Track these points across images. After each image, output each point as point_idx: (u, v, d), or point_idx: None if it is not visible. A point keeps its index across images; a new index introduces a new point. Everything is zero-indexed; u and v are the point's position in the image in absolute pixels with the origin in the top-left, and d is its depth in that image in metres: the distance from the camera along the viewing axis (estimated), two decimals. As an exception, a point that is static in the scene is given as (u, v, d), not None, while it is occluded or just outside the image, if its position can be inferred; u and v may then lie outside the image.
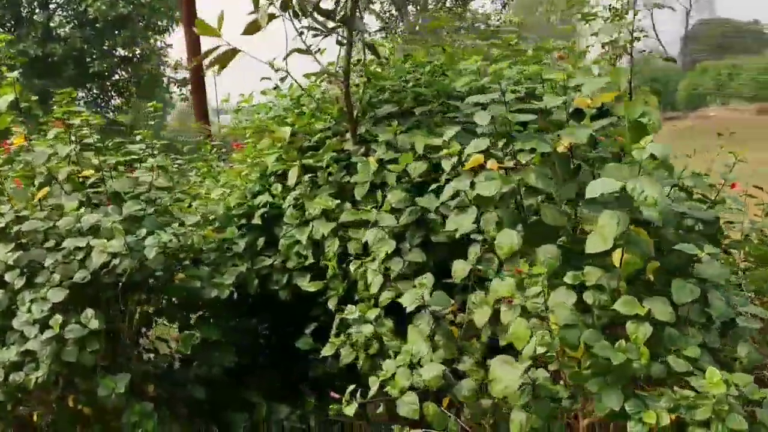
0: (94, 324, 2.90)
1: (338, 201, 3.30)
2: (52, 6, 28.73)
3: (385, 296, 3.06)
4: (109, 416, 3.13)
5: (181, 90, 31.37)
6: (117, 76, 29.74)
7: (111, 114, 31.29)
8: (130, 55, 29.63)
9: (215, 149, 4.90)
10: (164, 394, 3.40)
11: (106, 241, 2.96)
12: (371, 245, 3.04)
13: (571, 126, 2.57)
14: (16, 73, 3.61)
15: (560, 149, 2.52)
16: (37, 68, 27.60)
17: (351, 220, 3.24)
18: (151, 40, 30.25)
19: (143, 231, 3.13)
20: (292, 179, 3.32)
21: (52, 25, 28.91)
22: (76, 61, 28.61)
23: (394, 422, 2.87)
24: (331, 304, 3.34)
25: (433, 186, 3.04)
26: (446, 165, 2.92)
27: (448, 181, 2.88)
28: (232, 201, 3.76)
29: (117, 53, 29.21)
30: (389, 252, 2.93)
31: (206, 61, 3.12)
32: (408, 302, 2.80)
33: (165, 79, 31.27)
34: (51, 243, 3.04)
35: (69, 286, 2.97)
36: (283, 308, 3.79)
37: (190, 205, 3.68)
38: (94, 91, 30.48)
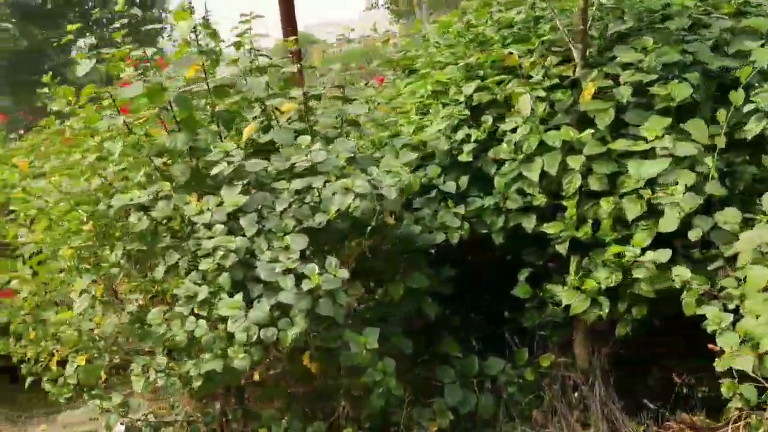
0: (343, 273, 2.58)
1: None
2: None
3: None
4: (339, 372, 2.85)
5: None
6: (119, 24, 28.56)
7: (112, 64, 30.37)
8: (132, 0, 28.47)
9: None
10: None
11: (349, 180, 2.60)
12: (657, 177, 2.70)
13: None
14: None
15: None
16: (36, 17, 26.54)
17: (596, 153, 2.90)
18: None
19: (373, 169, 2.78)
20: (525, 108, 2.95)
21: (48, -31, 27.61)
22: (76, 8, 27.47)
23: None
24: (562, 248, 3.04)
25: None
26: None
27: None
28: (425, 137, 3.40)
29: (118, -1, 28.10)
30: (688, 185, 2.60)
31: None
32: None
33: (167, 27, 30.23)
34: (282, 184, 2.68)
35: (303, 232, 2.64)
36: (484, 255, 3.50)
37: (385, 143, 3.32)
38: (94, 40, 29.47)
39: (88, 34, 26.68)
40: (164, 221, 2.78)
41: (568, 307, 3.09)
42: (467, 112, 3.19)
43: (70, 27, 3.26)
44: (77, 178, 2.88)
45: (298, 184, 2.67)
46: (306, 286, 2.45)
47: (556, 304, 3.20)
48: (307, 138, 2.71)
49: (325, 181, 2.65)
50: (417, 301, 3.25)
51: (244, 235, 2.63)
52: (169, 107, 2.91)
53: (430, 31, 4.02)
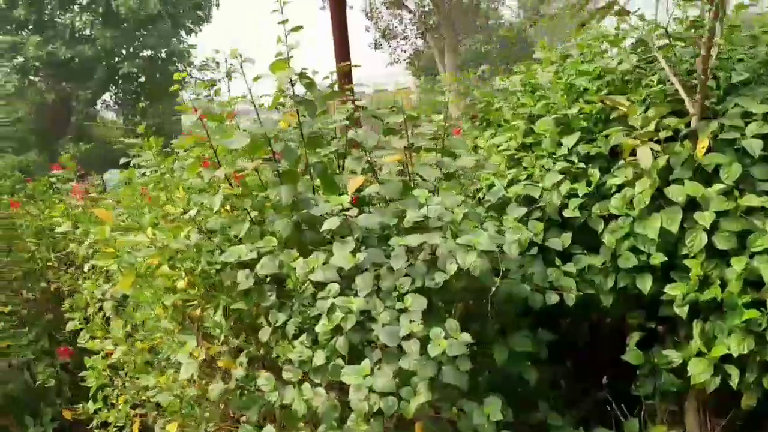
0: (466, 338, 2.39)
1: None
2: (75, 7, 28.14)
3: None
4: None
5: (209, 91, 30.86)
6: (143, 78, 29.21)
7: (137, 117, 30.81)
8: (157, 55, 29.11)
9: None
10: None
11: (473, 236, 2.44)
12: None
13: None
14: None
15: None
16: (65, 70, 27.10)
17: (723, 209, 2.74)
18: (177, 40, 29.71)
19: (489, 225, 2.63)
20: (645, 161, 2.79)
21: (77, 25, 28.35)
22: (104, 63, 28.08)
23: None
24: (682, 312, 2.84)
25: None
26: None
27: None
28: (520, 190, 3.25)
29: (144, 54, 28.70)
30: None
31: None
32: None
33: (192, 80, 30.80)
34: (396, 240, 2.52)
35: (417, 292, 2.47)
36: (581, 316, 3.30)
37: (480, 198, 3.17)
38: (121, 93, 29.95)
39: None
40: (268, 279, 2.62)
41: (684, 374, 2.88)
42: (582, 165, 3.05)
43: (176, 75, 3.16)
44: (175, 232, 2.73)
45: (413, 240, 2.51)
46: (434, 351, 2.26)
47: (670, 371, 3.00)
48: (425, 191, 2.56)
49: (442, 238, 2.49)
50: (518, 366, 3.05)
51: (356, 295, 2.47)
52: (273, 159, 2.79)
53: (513, 82, 3.92)
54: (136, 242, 2.78)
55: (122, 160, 4.39)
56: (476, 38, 26.25)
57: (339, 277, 2.50)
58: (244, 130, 2.81)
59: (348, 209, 2.55)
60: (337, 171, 3.22)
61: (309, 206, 2.76)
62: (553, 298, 2.86)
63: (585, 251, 3.14)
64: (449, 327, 2.41)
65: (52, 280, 4.51)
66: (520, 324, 3.08)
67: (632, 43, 3.65)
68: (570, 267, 2.99)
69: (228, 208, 2.97)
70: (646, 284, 2.91)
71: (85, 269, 4.20)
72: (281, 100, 3.16)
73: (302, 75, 3.08)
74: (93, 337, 3.04)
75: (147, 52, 28.96)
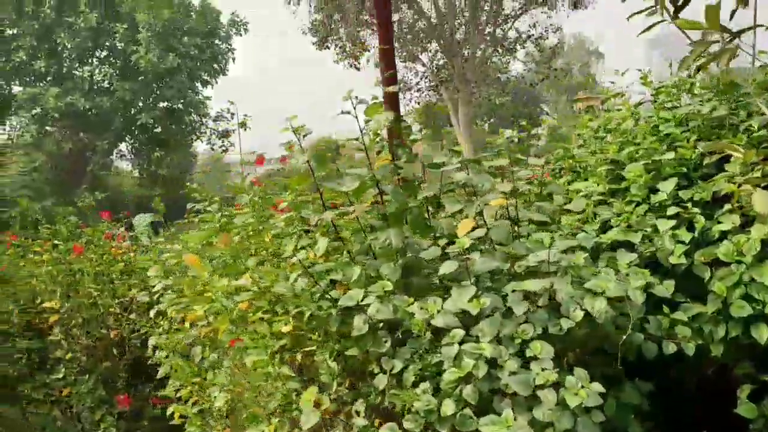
0: (598, 388, 2.29)
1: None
2: (94, 60, 28.75)
3: None
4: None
5: (223, 142, 31.29)
6: (160, 128, 29.59)
7: (152, 167, 31.09)
8: (174, 107, 29.57)
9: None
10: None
11: (601, 281, 2.36)
12: None
13: None
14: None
15: None
16: (83, 121, 27.47)
17: None
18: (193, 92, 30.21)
19: (609, 270, 2.55)
20: (762, 207, 2.73)
21: (96, 78, 28.90)
22: (121, 114, 28.49)
23: None
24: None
25: None
26: None
27: None
28: (616, 235, 3.18)
29: (161, 105, 29.16)
30: None
31: (695, 60, 2.59)
32: None
33: (207, 131, 31.18)
34: (516, 285, 2.44)
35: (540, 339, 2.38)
36: (680, 366, 3.18)
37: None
38: (137, 144, 30.30)
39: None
40: (381, 325, 2.53)
41: (802, 428, 2.75)
42: (696, 210, 2.98)
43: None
44: (274, 276, 2.66)
45: (535, 285, 2.43)
46: (572, 402, 2.16)
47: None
48: (545, 235, 2.49)
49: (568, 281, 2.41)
50: (624, 418, 2.92)
51: (476, 341, 2.38)
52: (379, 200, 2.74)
53: (593, 127, 3.91)
54: (238, 286, 2.71)
55: (189, 206, 4.35)
56: (489, 91, 26.62)
57: (459, 323, 2.41)
58: (346, 174, 2.77)
59: (467, 252, 2.48)
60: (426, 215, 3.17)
61: (414, 250, 2.70)
62: (670, 347, 2.75)
63: (687, 299, 3.05)
64: (578, 376, 2.31)
65: (113, 326, 4.41)
66: (617, 373, 2.97)
67: (714, 90, 3.64)
68: (680, 315, 2.89)
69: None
70: (761, 334, 2.80)
71: (151, 314, 4.12)
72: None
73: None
74: (181, 386, 2.93)
75: (163, 104, 29.44)
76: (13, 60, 26.04)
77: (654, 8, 3.12)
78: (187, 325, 3.19)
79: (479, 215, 2.80)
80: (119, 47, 27.57)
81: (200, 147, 34.03)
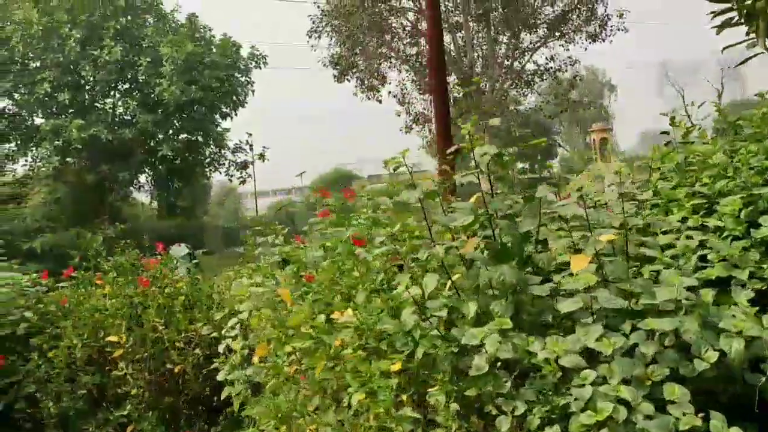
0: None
1: None
2: (116, 93, 29.10)
3: None
4: None
5: (241, 173, 31.40)
6: (179, 160, 29.76)
7: (172, 198, 31.22)
8: (194, 138, 29.80)
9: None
10: None
11: (741, 323, 2.26)
12: None
13: None
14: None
15: None
16: (105, 153, 27.64)
17: None
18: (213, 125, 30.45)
19: (737, 309, 2.46)
20: None
21: (119, 110, 29.23)
22: (142, 146, 28.72)
23: None
24: None
25: None
26: None
27: None
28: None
29: (181, 137, 29.37)
30: None
31: None
32: None
33: (226, 162, 31.33)
34: (645, 323, 2.34)
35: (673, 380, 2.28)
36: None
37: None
38: (156, 175, 30.42)
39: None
40: (499, 364, 2.43)
41: None
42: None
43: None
44: (385, 313, 2.58)
45: (665, 324, 2.33)
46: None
47: None
48: (678, 273, 2.41)
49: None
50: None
51: (604, 382, 2.27)
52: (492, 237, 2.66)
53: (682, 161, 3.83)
54: (338, 323, 2.63)
55: (260, 239, 4.30)
56: (510, 123, 26.71)
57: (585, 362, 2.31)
58: (456, 208, 2.70)
59: (591, 289, 2.39)
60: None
61: (526, 286, 2.61)
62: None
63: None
64: (716, 419, 2.20)
65: (177, 360, 4.32)
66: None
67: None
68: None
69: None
70: None
71: (220, 349, 4.04)
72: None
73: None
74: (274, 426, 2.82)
75: (184, 136, 29.66)
76: (37, 92, 26.36)
77: (754, 39, 3.08)
78: (256, 359, 3.12)
79: (589, 249, 2.71)
80: (141, 80, 27.91)
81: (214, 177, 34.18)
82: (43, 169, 27.45)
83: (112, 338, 4.22)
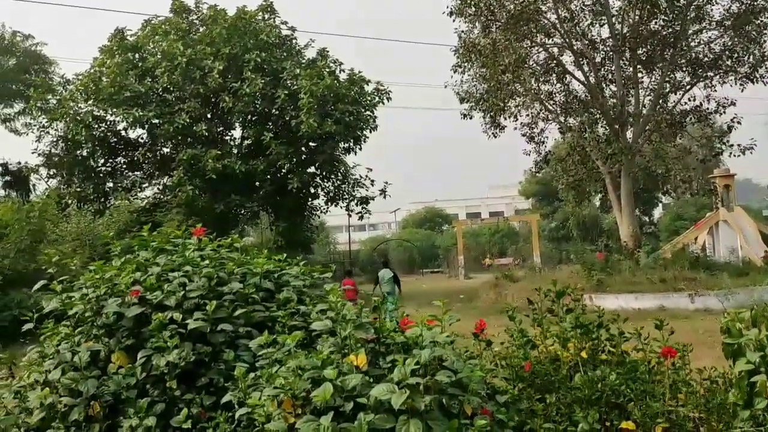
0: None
1: None
2: (252, 124, 29.23)
3: None
4: None
5: (362, 208, 30.66)
6: (304, 193, 29.44)
7: (291, 230, 30.93)
8: (322, 172, 29.56)
9: None
10: None
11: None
12: None
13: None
14: None
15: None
16: (235, 183, 27.61)
17: None
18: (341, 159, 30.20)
19: None
20: None
21: (247, 141, 29.31)
22: (272, 177, 28.65)
23: None
24: None
25: None
26: None
27: None
28: None
29: (309, 171, 29.13)
30: None
31: None
32: None
33: (347, 196, 30.89)
34: None
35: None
36: None
37: None
38: (280, 206, 30.15)
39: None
40: None
41: None
42: None
43: None
44: None
45: None
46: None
47: None
48: None
49: None
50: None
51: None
52: None
53: None
54: None
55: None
56: (655, 162, 25.21)
57: None
58: None
59: None
60: None
61: None
62: None
63: None
64: None
65: None
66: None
67: None
68: None
69: None
70: None
71: None
72: None
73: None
74: None
75: (310, 169, 29.44)
76: (177, 122, 26.67)
77: None
78: None
79: None
80: (275, 112, 27.98)
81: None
82: (175, 198, 27.59)
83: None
